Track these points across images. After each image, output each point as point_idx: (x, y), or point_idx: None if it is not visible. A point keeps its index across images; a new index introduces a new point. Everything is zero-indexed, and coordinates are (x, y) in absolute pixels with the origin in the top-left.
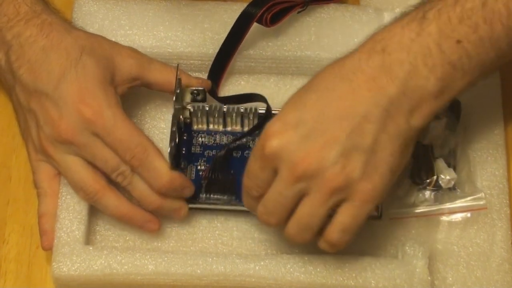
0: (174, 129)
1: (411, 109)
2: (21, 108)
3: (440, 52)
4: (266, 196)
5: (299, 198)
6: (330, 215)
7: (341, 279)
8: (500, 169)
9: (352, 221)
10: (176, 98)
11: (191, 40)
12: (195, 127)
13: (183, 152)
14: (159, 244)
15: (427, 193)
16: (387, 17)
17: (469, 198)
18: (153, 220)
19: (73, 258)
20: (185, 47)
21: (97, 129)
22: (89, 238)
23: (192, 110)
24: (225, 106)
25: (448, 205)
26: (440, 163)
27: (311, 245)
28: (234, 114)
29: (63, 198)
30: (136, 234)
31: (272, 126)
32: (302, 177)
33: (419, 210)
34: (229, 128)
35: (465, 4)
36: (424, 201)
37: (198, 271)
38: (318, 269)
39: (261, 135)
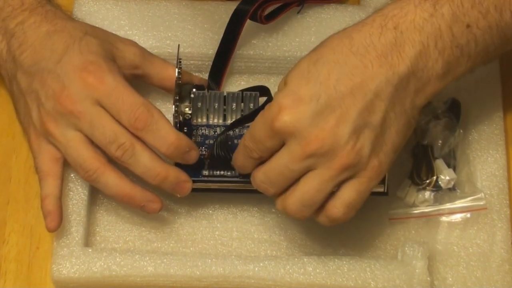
0: (175, 120)
1: (417, 89)
2: (22, 94)
3: (450, 35)
4: (269, 165)
5: (305, 173)
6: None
7: (341, 280)
8: (500, 169)
9: (357, 196)
10: (176, 91)
11: (191, 40)
12: (194, 121)
13: None
14: (159, 245)
15: (427, 194)
16: None
17: (469, 198)
18: (155, 199)
19: (72, 260)
20: (185, 47)
21: (99, 95)
22: (88, 240)
23: (192, 96)
24: (225, 92)
25: (448, 206)
26: (440, 164)
27: (311, 247)
28: (234, 101)
29: (62, 199)
30: (136, 234)
31: (284, 99)
32: (314, 155)
33: (419, 210)
34: (228, 122)
35: None
36: (424, 201)
37: (198, 273)
38: (317, 270)
39: (271, 104)
